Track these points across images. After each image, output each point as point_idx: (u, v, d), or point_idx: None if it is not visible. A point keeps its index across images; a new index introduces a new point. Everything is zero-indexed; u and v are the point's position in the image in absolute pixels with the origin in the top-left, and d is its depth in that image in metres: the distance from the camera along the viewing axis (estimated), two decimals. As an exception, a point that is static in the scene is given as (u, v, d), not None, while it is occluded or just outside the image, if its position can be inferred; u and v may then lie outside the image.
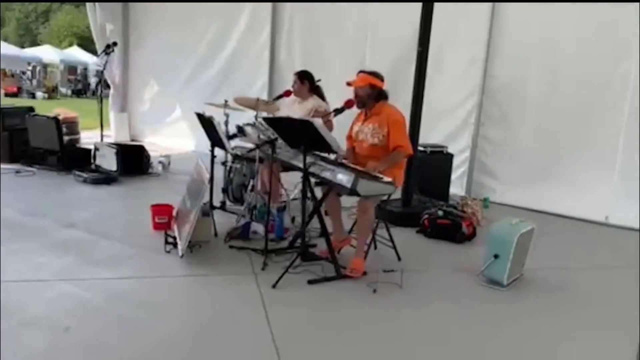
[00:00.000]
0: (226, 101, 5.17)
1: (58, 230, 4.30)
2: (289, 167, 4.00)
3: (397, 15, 6.48)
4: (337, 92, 5.09)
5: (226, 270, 3.69)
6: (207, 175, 3.87)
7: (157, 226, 4.42)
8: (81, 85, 26.33)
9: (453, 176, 6.03)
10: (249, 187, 5.40)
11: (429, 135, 5.90)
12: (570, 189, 5.74)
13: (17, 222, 4.42)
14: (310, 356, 2.68)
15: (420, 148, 5.67)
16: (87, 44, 27.43)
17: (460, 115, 6.33)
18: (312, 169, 3.56)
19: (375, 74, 3.76)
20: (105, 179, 5.92)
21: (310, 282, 3.53)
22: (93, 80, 28.90)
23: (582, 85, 5.54)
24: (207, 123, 4.55)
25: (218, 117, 4.67)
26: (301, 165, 3.60)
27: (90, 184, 5.85)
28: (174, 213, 4.45)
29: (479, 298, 3.49)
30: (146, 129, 9.23)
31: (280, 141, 3.85)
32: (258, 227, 4.36)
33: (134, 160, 6.31)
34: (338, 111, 3.77)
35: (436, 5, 4.94)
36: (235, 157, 5.01)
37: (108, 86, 9.01)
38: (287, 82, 7.49)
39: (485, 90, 6.15)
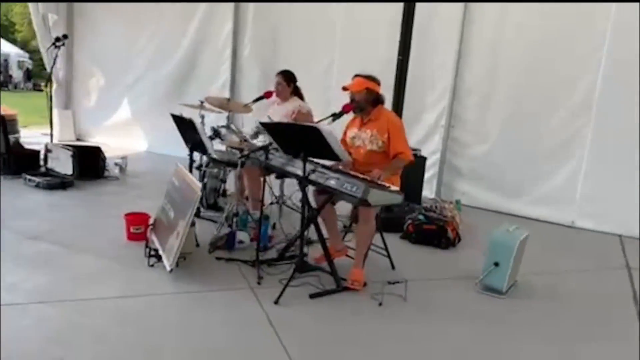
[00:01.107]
0: (202, 102, 4.87)
1: (21, 243, 3.89)
2: (282, 175, 3.80)
3: (367, 14, 6.39)
4: (305, 92, 5.07)
5: (220, 286, 3.46)
6: (198, 183, 3.59)
7: (132, 237, 4.11)
8: (2, 78, 24.50)
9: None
10: (223, 193, 5.16)
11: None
12: (538, 192, 5.87)
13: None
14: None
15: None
16: (5, 33, 25.56)
17: (431, 118, 6.32)
18: (312, 177, 3.38)
19: (371, 78, 3.64)
20: (61, 183, 5.46)
21: (312, 296, 3.37)
22: (16, 73, 27.16)
23: (550, 89, 5.67)
24: (186, 125, 4.26)
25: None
26: (298, 172, 3.43)
27: (43, 189, 5.37)
28: (150, 222, 4.14)
29: (483, 308, 3.45)
30: (92, 128, 8.66)
31: (272, 146, 3.66)
32: (243, 236, 4.13)
33: (90, 163, 5.87)
34: (336, 116, 3.59)
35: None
36: (214, 161, 4.72)
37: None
38: (251, 80, 7.31)
39: (455, 93, 6.17)
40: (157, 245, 3.77)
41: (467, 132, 6.22)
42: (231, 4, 7.27)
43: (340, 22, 6.64)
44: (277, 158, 3.72)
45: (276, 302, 3.22)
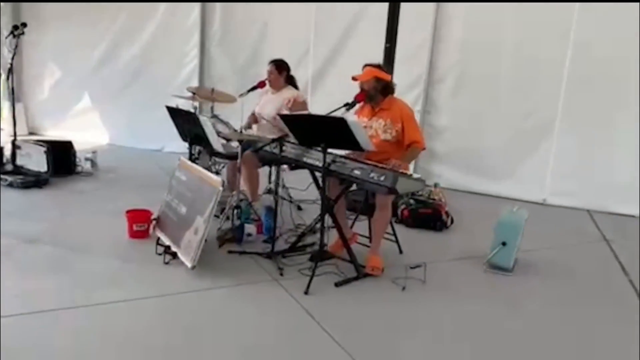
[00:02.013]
0: (194, 93, 4.76)
1: (20, 247, 3.68)
2: (296, 166, 3.80)
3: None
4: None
5: (243, 279, 3.44)
6: (217, 177, 3.53)
7: (135, 234, 4.00)
8: None
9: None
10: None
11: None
12: (511, 173, 6.17)
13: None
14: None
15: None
16: None
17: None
18: (332, 167, 3.42)
19: (380, 67, 3.69)
20: (36, 181, 5.17)
21: (337, 284, 3.43)
22: None
23: (523, 71, 5.92)
24: (184, 118, 4.16)
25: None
26: (317, 163, 3.46)
27: (18, 187, 5.08)
28: (153, 218, 4.04)
29: (498, 286, 3.64)
30: (46, 122, 8.20)
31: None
32: (250, 229, 4.12)
33: (62, 159, 5.58)
34: (350, 105, 3.63)
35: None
36: (217, 154, 4.62)
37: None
38: (221, 68, 7.16)
39: (430, 78, 6.33)
40: (168, 241, 3.69)
41: (442, 117, 6.41)
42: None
43: (315, 10, 6.61)
44: (290, 149, 3.71)
45: (306, 293, 3.25)
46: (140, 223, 3.98)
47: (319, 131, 3.36)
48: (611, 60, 5.51)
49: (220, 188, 3.38)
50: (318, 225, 3.90)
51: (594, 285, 3.78)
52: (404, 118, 3.62)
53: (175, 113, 4.29)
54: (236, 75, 7.06)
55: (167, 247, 3.67)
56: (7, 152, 5.79)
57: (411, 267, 3.49)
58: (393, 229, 4.06)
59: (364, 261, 3.63)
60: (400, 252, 4.09)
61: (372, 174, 3.21)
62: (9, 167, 5.60)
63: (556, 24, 5.74)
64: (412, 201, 4.94)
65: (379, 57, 5.89)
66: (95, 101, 7.91)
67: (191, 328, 2.81)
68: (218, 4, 7.07)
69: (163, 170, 6.30)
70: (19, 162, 5.44)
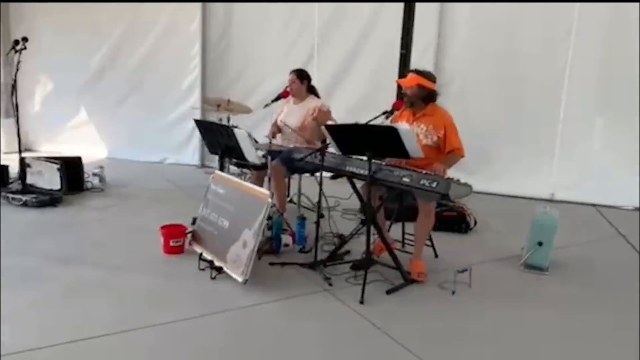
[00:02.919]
0: (219, 105, 4.73)
1: (57, 269, 3.59)
2: (337, 175, 3.80)
3: (345, 10, 6.47)
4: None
5: (293, 292, 3.41)
6: (265, 190, 3.51)
7: (171, 250, 3.94)
8: None
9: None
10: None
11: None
12: (518, 170, 6.30)
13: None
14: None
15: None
16: None
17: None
18: (378, 175, 3.45)
19: (425, 75, 3.74)
20: (50, 200, 5.04)
21: (388, 292, 3.45)
22: None
23: (526, 73, 6.07)
24: (217, 131, 4.12)
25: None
26: (361, 171, 3.49)
27: (32, 207, 4.95)
28: (188, 233, 4.00)
29: (540, 287, 3.71)
30: (40, 137, 7.99)
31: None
32: (287, 240, 4.11)
33: (72, 176, 5.46)
34: (388, 114, 3.69)
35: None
36: (250, 166, 4.57)
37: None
38: (223, 77, 7.09)
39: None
40: (210, 256, 3.66)
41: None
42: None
43: (318, 16, 6.63)
44: (330, 159, 3.72)
45: (361, 302, 3.26)
46: (177, 239, 3.92)
47: (365, 140, 3.37)
48: (611, 57, 5.69)
49: (270, 200, 3.37)
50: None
51: (627, 278, 3.88)
52: (446, 125, 3.67)
53: (204, 126, 4.23)
54: (238, 84, 7.01)
55: (211, 262, 3.63)
56: (12, 170, 5.65)
57: (459, 272, 3.54)
58: (429, 234, 4.09)
59: (407, 267, 3.66)
60: (436, 256, 4.13)
61: (422, 181, 3.24)
62: (16, 186, 5.45)
63: (557, 23, 5.90)
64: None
65: (388, 64, 6.03)
66: (92, 114, 7.78)
67: (258, 344, 2.80)
68: (220, 12, 6.98)
69: (172, 183, 6.27)
70: (29, 180, 5.28)
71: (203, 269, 3.63)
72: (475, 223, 4.94)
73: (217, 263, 3.55)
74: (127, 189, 5.92)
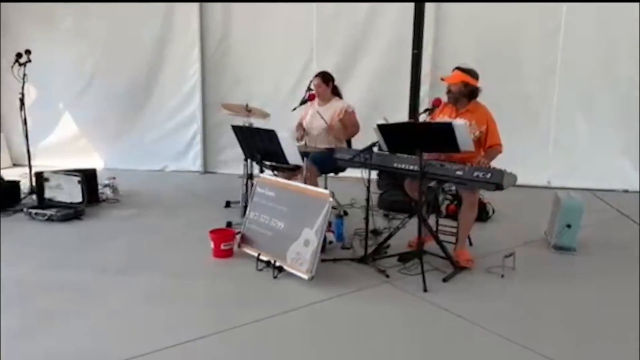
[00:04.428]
0: (249, 110, 4.83)
1: (118, 279, 3.61)
2: (382, 171, 3.98)
3: (344, 13, 6.64)
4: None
5: (356, 285, 3.55)
6: (325, 190, 3.65)
7: (221, 253, 4.02)
8: None
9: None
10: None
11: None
12: (515, 159, 6.61)
13: (55, 282, 3.54)
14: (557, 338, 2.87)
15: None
16: None
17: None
18: (428, 170, 3.65)
19: (469, 72, 3.93)
20: (75, 213, 5.00)
21: (444, 279, 3.65)
22: None
23: (518, 68, 6.43)
24: (257, 136, 4.22)
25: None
26: (411, 167, 3.69)
27: (57, 221, 4.89)
28: (238, 233, 4.10)
29: (575, 266, 4.02)
30: (32, 151, 7.75)
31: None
32: (331, 237, 4.26)
33: (89, 188, 5.41)
34: (430, 111, 3.89)
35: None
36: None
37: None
38: (223, 82, 7.12)
39: (431, 79, 6.67)
40: (267, 257, 3.76)
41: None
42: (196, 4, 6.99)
43: (316, 18, 6.77)
44: (375, 157, 3.89)
45: (425, 290, 3.45)
46: (227, 242, 4.00)
47: (415, 137, 3.56)
48: (599, 47, 6.12)
49: (331, 199, 3.51)
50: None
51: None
52: (489, 121, 3.89)
53: (243, 131, 4.32)
54: (239, 88, 7.07)
55: (267, 262, 3.74)
56: (23, 185, 5.56)
57: (505, 256, 3.78)
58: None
59: (452, 256, 3.87)
60: (471, 244, 4.36)
61: (476, 173, 3.46)
62: (29, 201, 5.37)
63: (548, 20, 6.29)
64: (449, 196, 5.23)
65: (393, 63, 6.25)
66: (84, 124, 7.62)
67: (344, 334, 2.93)
68: (218, 15, 7.01)
69: (185, 190, 6.28)
70: (47, 194, 5.21)
71: (261, 270, 3.73)
72: (494, 212, 5.22)
73: (278, 263, 3.65)
74: (141, 198, 5.91)
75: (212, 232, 4.06)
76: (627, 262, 4.05)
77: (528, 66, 6.46)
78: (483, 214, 5.08)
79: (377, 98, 6.54)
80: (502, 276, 3.72)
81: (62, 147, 7.62)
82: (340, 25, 6.71)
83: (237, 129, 4.46)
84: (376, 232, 4.55)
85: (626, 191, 6.35)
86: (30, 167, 5.66)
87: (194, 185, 6.60)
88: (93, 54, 7.35)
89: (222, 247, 4.00)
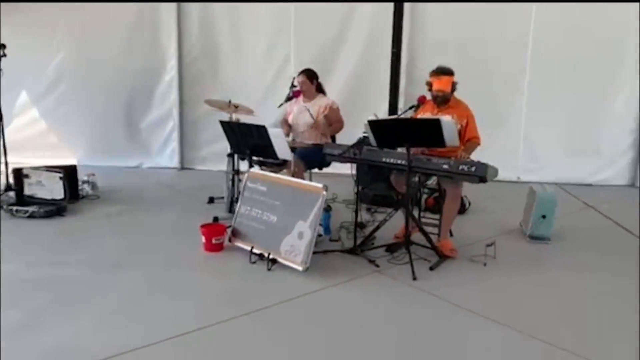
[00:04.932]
0: (237, 106, 4.88)
1: (113, 275, 3.62)
2: (371, 166, 4.12)
3: (321, 10, 6.75)
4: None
5: (349, 275, 3.68)
6: (318, 184, 3.76)
7: (212, 248, 4.09)
8: None
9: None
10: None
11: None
12: (487, 155, 6.89)
13: (49, 279, 3.53)
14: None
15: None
16: None
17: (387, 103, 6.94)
18: (415, 164, 3.81)
19: (452, 72, 4.10)
20: (57, 209, 4.97)
21: (431, 268, 3.83)
22: None
23: (491, 66, 6.69)
24: (246, 132, 4.30)
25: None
26: (399, 162, 3.85)
27: (39, 218, 4.85)
28: (228, 227, 4.17)
29: (552, 254, 4.26)
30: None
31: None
32: (320, 230, 4.36)
33: (70, 184, 5.36)
34: (416, 107, 4.06)
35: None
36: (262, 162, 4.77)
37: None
38: (201, 77, 7.11)
39: (407, 77, 6.86)
40: (260, 250, 3.85)
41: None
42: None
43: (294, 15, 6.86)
44: (365, 152, 4.04)
45: (414, 278, 3.61)
46: (218, 236, 4.07)
47: (404, 133, 3.72)
48: (568, 47, 6.44)
49: (325, 192, 3.63)
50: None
51: (611, 240, 4.60)
52: (468, 116, 4.09)
53: (232, 127, 4.39)
54: (216, 84, 7.09)
55: (260, 255, 3.83)
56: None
57: (488, 245, 3.99)
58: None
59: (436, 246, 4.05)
60: (451, 234, 4.55)
61: (461, 167, 3.65)
62: (6, 198, 5.28)
63: (516, 26, 6.58)
64: (426, 190, 5.43)
65: (372, 62, 6.41)
66: (56, 121, 7.48)
67: (342, 321, 3.06)
68: (195, 13, 7.00)
69: (165, 187, 6.29)
70: (27, 191, 5.14)
71: (254, 262, 3.83)
72: (470, 204, 5.44)
73: (272, 255, 3.74)
74: (122, 194, 5.89)
75: (203, 226, 4.11)
76: (599, 249, 4.35)
77: (499, 65, 6.71)
78: (460, 207, 5.27)
79: (355, 95, 6.66)
80: (485, 264, 3.92)
81: (31, 144, 7.42)
82: (318, 24, 6.80)
83: (225, 125, 4.51)
84: (362, 225, 4.68)
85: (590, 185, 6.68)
86: (6, 163, 5.55)
87: (173, 181, 6.60)
88: (65, 49, 7.19)
89: (213, 241, 4.06)
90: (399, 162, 3.86)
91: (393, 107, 5.57)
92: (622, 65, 6.56)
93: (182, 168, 7.33)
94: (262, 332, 2.94)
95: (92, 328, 2.91)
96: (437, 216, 4.44)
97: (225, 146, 5.67)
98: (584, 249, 4.35)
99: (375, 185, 5.60)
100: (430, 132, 3.63)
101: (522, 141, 6.84)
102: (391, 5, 6.22)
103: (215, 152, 7.05)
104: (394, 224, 4.22)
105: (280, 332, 2.95)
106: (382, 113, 6.91)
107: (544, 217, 4.41)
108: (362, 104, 6.35)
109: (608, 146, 6.83)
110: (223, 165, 6.60)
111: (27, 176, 5.16)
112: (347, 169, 6.12)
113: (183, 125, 7.25)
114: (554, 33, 6.49)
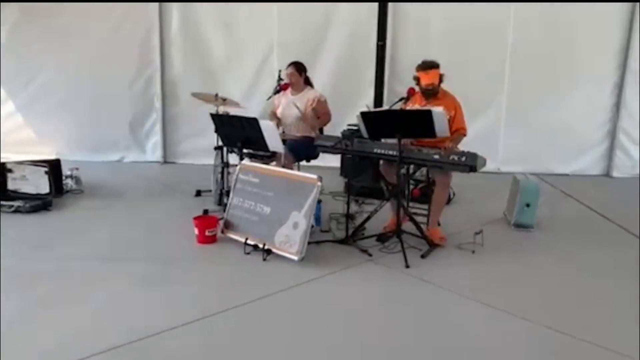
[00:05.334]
0: (225, 99, 4.89)
1: (109, 268, 3.62)
2: (362, 157, 4.18)
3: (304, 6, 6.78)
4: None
5: (343, 264, 3.75)
6: (312, 175, 3.81)
7: (206, 239, 4.11)
8: None
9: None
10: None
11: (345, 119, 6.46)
12: (467, 146, 7.04)
13: (42, 272, 3.52)
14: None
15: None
16: None
17: (369, 96, 7.01)
18: (407, 154, 3.90)
19: (438, 65, 4.19)
20: (43, 204, 4.91)
21: (422, 256, 3.93)
22: None
23: (472, 60, 6.81)
24: (237, 124, 4.32)
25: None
26: (390, 152, 3.93)
27: (25, 212, 4.79)
28: (220, 223, 4.20)
29: (535, 240, 4.41)
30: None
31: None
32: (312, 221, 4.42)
33: (55, 179, 5.30)
34: (406, 100, 4.14)
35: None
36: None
37: None
38: (183, 70, 7.07)
39: (392, 70, 6.93)
40: (254, 241, 3.89)
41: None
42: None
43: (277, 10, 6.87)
44: (356, 144, 4.10)
45: (407, 266, 3.71)
46: (211, 228, 4.09)
47: (395, 124, 3.80)
48: (545, 43, 6.62)
49: (319, 183, 3.69)
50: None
51: (592, 227, 4.79)
52: (456, 107, 4.18)
53: (222, 120, 4.40)
54: (198, 77, 7.05)
55: (255, 246, 3.87)
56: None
57: (476, 233, 4.11)
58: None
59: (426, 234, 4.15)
60: (439, 224, 4.66)
61: (452, 157, 3.74)
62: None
63: (496, 23, 6.74)
64: (412, 181, 5.53)
65: (352, 56, 6.47)
66: (34, 115, 7.33)
67: (339, 308, 3.14)
68: (174, 4, 6.94)
69: (148, 180, 6.26)
70: (10, 186, 5.06)
71: (248, 253, 3.87)
72: (454, 195, 5.56)
73: (267, 246, 3.79)
74: (107, 188, 5.83)
75: (196, 218, 4.13)
76: (579, 235, 4.54)
77: (479, 59, 6.84)
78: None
79: (337, 88, 6.69)
80: (473, 252, 4.04)
81: (8, 138, 7.27)
82: (300, 19, 6.82)
83: (216, 118, 4.52)
84: (351, 216, 4.75)
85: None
86: (-5, 156, 5.45)
87: (157, 175, 6.57)
88: (44, 42, 7.05)
89: (206, 233, 4.08)
90: (390, 153, 3.93)
91: (379, 99, 5.64)
92: (594, 58, 6.77)
93: (165, 162, 7.28)
94: (265, 320, 2.99)
95: (93, 320, 2.93)
96: (423, 206, 4.55)
97: (208, 140, 5.70)
98: (566, 235, 4.53)
99: (360, 177, 5.67)
100: (421, 123, 3.71)
101: (502, 134, 6.99)
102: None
103: (197, 146, 7.05)
104: (381, 215, 4.30)
105: (282, 319, 3.01)
106: (365, 106, 7.02)
107: (528, 205, 4.55)
108: (344, 97, 6.39)
109: (583, 137, 7.04)
110: (206, 159, 6.65)
111: (10, 170, 5.08)
112: (333, 161, 6.30)
113: (165, 118, 7.20)
114: (532, 29, 6.63)
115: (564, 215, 5.11)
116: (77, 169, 5.85)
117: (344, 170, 6.31)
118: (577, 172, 7.06)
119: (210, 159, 5.40)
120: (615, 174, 7.01)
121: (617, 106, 6.89)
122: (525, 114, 6.95)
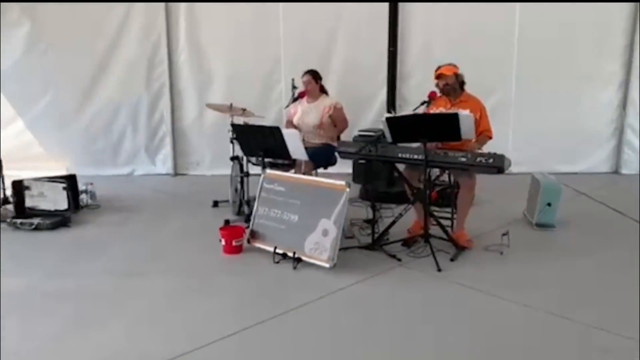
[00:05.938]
0: (232, 104, 4.92)
1: (138, 283, 3.61)
2: (385, 162, 4.19)
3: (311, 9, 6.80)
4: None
5: (374, 270, 3.75)
6: (341, 182, 3.81)
7: (232, 250, 4.10)
8: None
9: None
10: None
11: (358, 123, 6.48)
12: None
13: (70, 289, 3.50)
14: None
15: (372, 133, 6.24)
16: None
17: (377, 102, 7.02)
18: (432, 158, 3.91)
19: (456, 65, 4.22)
20: (63, 220, 4.89)
21: (452, 259, 3.94)
22: None
23: (480, 60, 6.82)
24: (259, 133, 4.33)
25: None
26: (415, 156, 3.94)
27: (45, 229, 4.76)
28: (247, 233, 4.19)
29: (560, 240, 4.44)
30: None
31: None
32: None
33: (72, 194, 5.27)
34: (427, 103, 4.16)
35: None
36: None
37: None
38: (192, 82, 7.06)
39: (398, 76, 6.95)
40: (283, 249, 3.89)
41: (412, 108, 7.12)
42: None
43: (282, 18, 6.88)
44: (380, 149, 4.11)
45: (439, 270, 3.71)
46: (238, 238, 4.08)
47: (420, 128, 3.81)
48: (553, 43, 6.67)
49: (348, 189, 3.69)
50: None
51: (617, 227, 4.75)
52: (481, 110, 4.20)
53: (243, 130, 4.41)
54: (208, 88, 7.05)
55: (283, 255, 3.87)
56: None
57: (503, 235, 4.12)
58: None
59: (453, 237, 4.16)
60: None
61: (479, 159, 3.76)
62: (4, 211, 5.15)
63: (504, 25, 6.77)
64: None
65: (362, 61, 6.49)
66: (43, 132, 7.29)
67: (379, 314, 3.14)
68: (181, 15, 6.93)
69: (162, 192, 6.25)
70: (29, 203, 5.03)
71: (278, 262, 3.86)
72: (473, 197, 5.56)
73: (297, 254, 3.78)
74: (123, 202, 5.80)
75: (222, 229, 4.12)
76: (602, 232, 4.57)
77: (487, 60, 6.87)
78: (464, 200, 5.41)
79: (347, 94, 6.70)
80: (501, 253, 4.05)
81: (18, 155, 7.20)
82: (308, 23, 6.83)
83: (237, 128, 4.52)
84: (370, 222, 4.74)
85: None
86: (2, 176, 5.42)
87: (170, 187, 6.55)
88: (47, 55, 7.00)
89: (233, 243, 4.07)
90: (415, 157, 3.94)
91: (392, 103, 5.65)
92: (600, 56, 6.83)
93: (176, 174, 7.25)
94: (304, 330, 2.98)
95: (128, 336, 2.90)
96: (445, 209, 4.56)
97: (220, 151, 5.65)
98: (589, 233, 4.56)
99: (374, 183, 5.67)
100: (448, 127, 3.73)
101: (511, 134, 7.02)
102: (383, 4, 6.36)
103: (208, 157, 7.05)
104: (401, 219, 4.29)
105: (321, 328, 3.00)
106: (374, 111, 7.05)
107: (549, 204, 4.58)
108: (352, 103, 6.37)
109: (591, 136, 7.10)
110: (217, 170, 6.65)
111: (28, 188, 5.05)
112: (345, 167, 6.30)
113: (175, 131, 7.18)
114: (539, 29, 6.69)
115: (582, 214, 5.13)
116: (91, 183, 5.83)
117: (357, 175, 6.31)
118: (586, 170, 7.09)
119: (222, 170, 5.39)
120: (624, 171, 7.06)
121: (624, 103, 6.94)
122: (534, 115, 6.98)
